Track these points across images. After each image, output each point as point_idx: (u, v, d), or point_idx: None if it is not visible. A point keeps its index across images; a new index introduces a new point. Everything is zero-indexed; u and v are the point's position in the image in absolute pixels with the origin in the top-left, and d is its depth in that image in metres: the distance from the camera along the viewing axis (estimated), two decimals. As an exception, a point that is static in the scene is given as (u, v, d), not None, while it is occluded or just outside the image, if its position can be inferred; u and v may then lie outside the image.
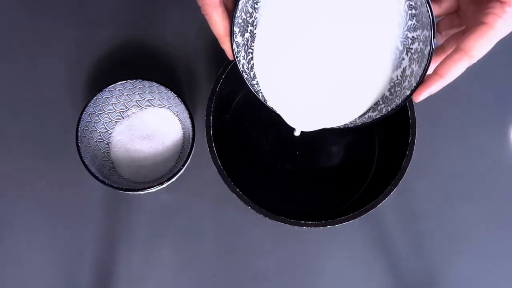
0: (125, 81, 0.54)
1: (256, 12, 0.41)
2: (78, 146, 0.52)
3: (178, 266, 0.56)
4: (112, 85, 0.54)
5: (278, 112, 0.46)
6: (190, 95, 0.60)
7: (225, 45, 0.40)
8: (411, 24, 0.39)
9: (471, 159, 0.59)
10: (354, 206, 0.57)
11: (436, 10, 0.41)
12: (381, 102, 0.43)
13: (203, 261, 0.56)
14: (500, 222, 0.57)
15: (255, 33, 0.42)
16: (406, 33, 0.40)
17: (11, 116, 0.59)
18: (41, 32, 0.61)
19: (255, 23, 0.42)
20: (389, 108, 0.42)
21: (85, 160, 0.52)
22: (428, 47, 0.37)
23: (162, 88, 0.55)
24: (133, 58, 0.61)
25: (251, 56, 0.43)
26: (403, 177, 0.49)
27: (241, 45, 0.41)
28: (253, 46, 0.43)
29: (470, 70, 0.37)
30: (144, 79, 0.54)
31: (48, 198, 0.57)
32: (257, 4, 0.41)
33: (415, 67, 0.39)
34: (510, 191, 0.58)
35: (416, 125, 0.50)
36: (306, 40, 0.42)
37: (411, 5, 0.39)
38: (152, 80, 0.54)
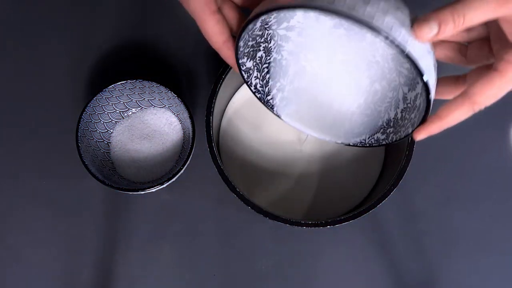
0: (125, 81, 0.54)
1: (268, 30, 0.41)
2: (78, 146, 0.52)
3: (178, 266, 0.56)
4: (112, 85, 0.54)
5: (292, 125, 0.47)
6: (190, 95, 0.60)
7: (235, 69, 0.40)
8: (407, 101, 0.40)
9: (471, 159, 0.59)
10: (355, 206, 0.57)
11: (465, 36, 0.37)
12: (391, 125, 0.43)
13: (203, 261, 0.56)
14: (500, 222, 0.57)
15: (270, 47, 0.42)
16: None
17: (11, 116, 0.59)
18: (41, 33, 0.61)
19: (269, 38, 0.42)
20: (394, 138, 0.42)
21: (85, 160, 0.52)
22: (425, 103, 0.35)
23: (162, 88, 0.55)
24: (133, 58, 0.61)
25: (266, 70, 0.43)
26: (403, 177, 0.49)
27: (252, 67, 0.42)
28: (269, 59, 0.43)
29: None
30: (144, 79, 0.54)
31: (48, 198, 0.57)
32: (267, 24, 0.40)
33: (423, 100, 0.38)
34: (510, 191, 0.58)
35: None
36: (318, 61, 0.43)
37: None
38: (152, 80, 0.54)
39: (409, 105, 0.41)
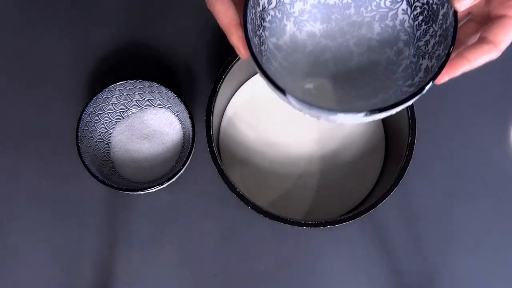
0: (125, 81, 0.54)
1: (263, 31, 0.39)
2: (78, 146, 0.52)
3: (178, 266, 0.56)
4: (112, 85, 0.54)
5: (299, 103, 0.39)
6: (190, 95, 0.60)
7: (233, 36, 0.35)
8: (420, 33, 0.38)
9: (471, 159, 0.59)
10: (355, 206, 0.57)
11: None
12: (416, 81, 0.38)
13: (203, 261, 0.56)
14: (500, 222, 0.57)
15: (261, 49, 0.38)
16: (417, 44, 0.38)
17: (11, 116, 0.59)
18: (41, 33, 0.61)
19: (261, 40, 0.39)
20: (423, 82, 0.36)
21: (85, 160, 0.52)
22: (452, 13, 0.35)
23: (162, 88, 0.55)
24: (133, 59, 0.61)
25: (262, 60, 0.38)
26: (403, 177, 0.49)
27: (255, 43, 0.36)
28: (261, 58, 0.38)
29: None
30: (144, 79, 0.54)
31: (48, 198, 0.57)
32: (264, 22, 0.38)
33: (440, 49, 0.36)
34: (510, 191, 0.58)
35: (416, 125, 0.50)
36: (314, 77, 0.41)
37: (417, 13, 0.38)
38: (152, 80, 0.54)
39: (420, 81, 0.37)
